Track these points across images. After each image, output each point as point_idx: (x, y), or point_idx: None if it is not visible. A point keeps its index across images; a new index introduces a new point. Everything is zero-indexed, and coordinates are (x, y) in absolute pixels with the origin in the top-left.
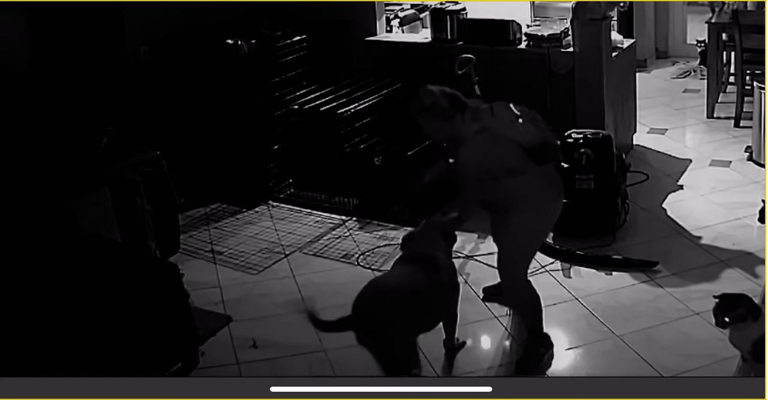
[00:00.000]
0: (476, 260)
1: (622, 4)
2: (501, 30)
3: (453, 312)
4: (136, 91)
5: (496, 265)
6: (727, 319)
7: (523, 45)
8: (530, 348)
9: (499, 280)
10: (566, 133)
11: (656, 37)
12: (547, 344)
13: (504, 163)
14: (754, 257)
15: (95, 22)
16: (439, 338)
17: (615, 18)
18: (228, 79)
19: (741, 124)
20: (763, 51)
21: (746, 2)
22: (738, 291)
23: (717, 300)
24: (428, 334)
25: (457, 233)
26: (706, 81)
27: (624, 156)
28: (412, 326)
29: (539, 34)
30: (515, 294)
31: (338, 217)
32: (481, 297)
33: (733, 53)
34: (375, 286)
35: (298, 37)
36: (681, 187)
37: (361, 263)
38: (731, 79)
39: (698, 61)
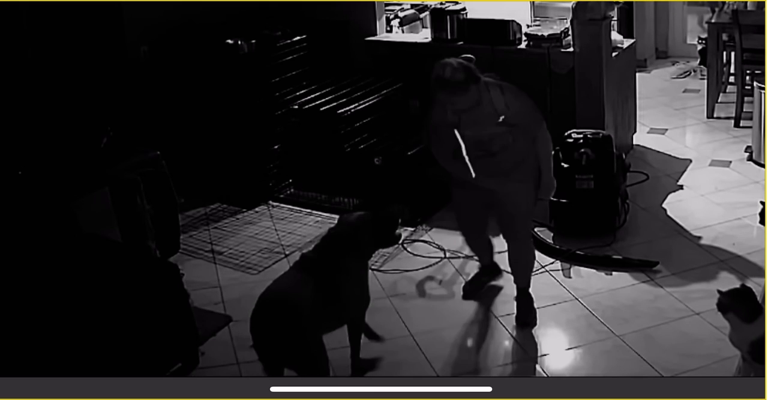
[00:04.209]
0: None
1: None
2: (501, 30)
3: (355, 322)
4: (135, 91)
5: (501, 229)
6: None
7: (523, 45)
8: (524, 304)
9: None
10: (566, 133)
11: (656, 37)
12: (531, 298)
13: (522, 122)
14: (754, 257)
15: (95, 22)
16: (439, 337)
17: (615, 18)
18: (228, 79)
19: (741, 124)
20: (763, 51)
21: (746, 2)
22: None
23: (729, 292)
24: (427, 333)
25: (455, 233)
26: (706, 81)
27: (624, 156)
28: (304, 330)
29: (539, 34)
30: (525, 252)
31: (338, 217)
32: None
33: (733, 53)
34: (261, 295)
35: (298, 37)
36: (681, 187)
37: None
38: (731, 79)
39: (698, 61)
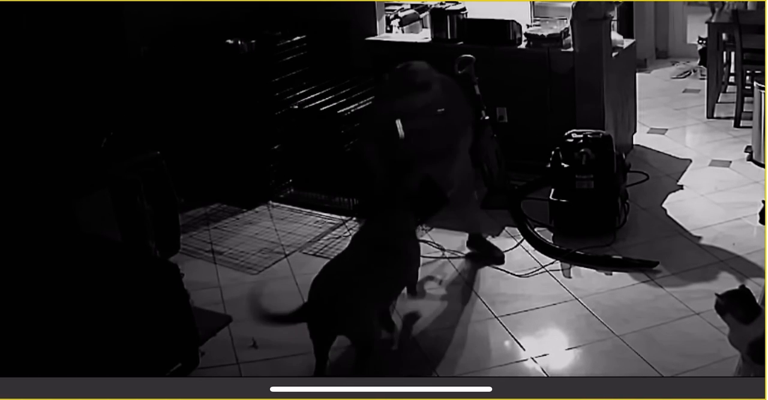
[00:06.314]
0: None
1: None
2: (501, 30)
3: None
4: (136, 92)
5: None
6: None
7: (523, 45)
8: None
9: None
10: (566, 133)
11: (656, 37)
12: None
13: (451, 115)
14: (754, 257)
15: (95, 22)
16: (439, 337)
17: (615, 18)
18: (228, 79)
19: (741, 124)
20: (763, 51)
21: (746, 2)
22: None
23: (726, 294)
24: (427, 333)
25: (455, 233)
26: (706, 81)
27: (624, 156)
28: (364, 300)
29: (539, 34)
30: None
31: (338, 217)
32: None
33: (733, 53)
34: (324, 270)
35: (298, 37)
36: (681, 187)
37: None
38: (731, 79)
39: (698, 61)
